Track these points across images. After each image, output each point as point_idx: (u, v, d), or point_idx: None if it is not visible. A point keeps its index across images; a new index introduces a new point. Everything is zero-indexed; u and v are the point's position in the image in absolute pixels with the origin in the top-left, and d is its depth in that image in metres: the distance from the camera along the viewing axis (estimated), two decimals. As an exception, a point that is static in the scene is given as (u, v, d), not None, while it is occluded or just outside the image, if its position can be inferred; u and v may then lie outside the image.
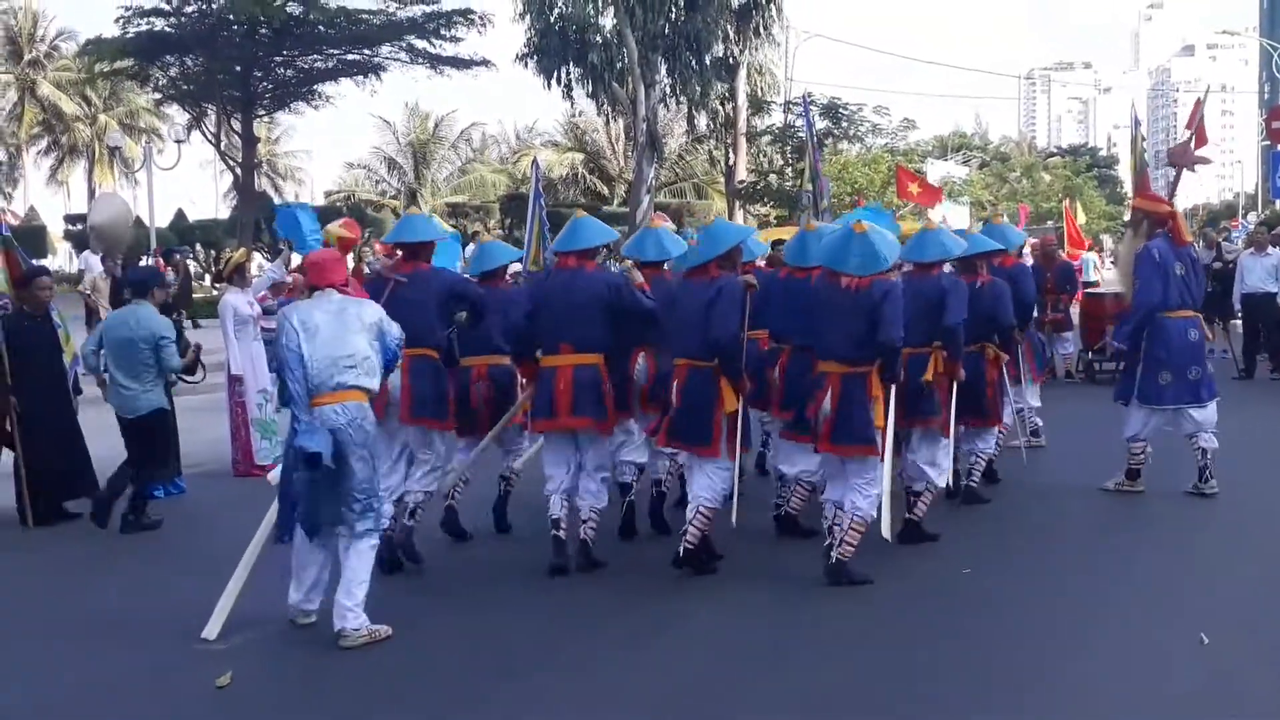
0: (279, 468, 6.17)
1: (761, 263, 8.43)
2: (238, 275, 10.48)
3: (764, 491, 8.07)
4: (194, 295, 31.81)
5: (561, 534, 6.88)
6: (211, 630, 5.74)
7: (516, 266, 9.23)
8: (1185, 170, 9.84)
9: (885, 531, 6.46)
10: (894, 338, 6.26)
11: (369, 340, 5.86)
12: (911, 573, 6.61)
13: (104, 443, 9.26)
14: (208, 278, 36.84)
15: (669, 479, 7.84)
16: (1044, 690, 4.92)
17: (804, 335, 6.92)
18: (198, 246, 39.79)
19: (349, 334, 5.80)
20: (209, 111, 38.85)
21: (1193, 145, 9.43)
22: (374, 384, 5.89)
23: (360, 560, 5.72)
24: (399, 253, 7.33)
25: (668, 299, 6.86)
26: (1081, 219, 23.20)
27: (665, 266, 7.58)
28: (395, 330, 6.12)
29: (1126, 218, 20.52)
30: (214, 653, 5.56)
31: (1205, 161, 9.63)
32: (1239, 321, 16.34)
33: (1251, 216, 41.71)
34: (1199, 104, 9.72)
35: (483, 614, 6.26)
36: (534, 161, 13.09)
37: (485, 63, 37.48)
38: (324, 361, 5.71)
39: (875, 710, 4.79)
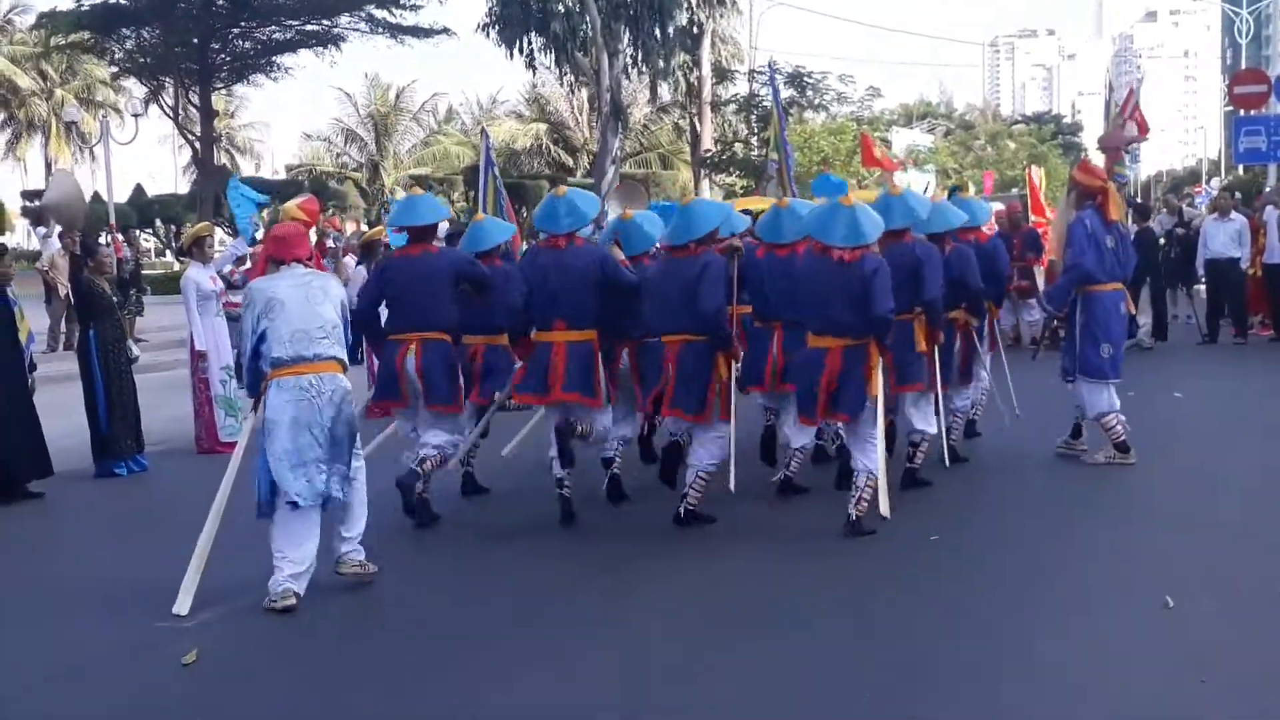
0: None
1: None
2: (197, 249, 10.33)
3: (757, 469, 8.09)
4: (154, 271, 31.59)
5: (566, 491, 7.18)
6: (181, 606, 5.67)
7: None
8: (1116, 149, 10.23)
9: (884, 509, 6.59)
10: (886, 311, 6.48)
11: (335, 310, 5.97)
12: (881, 537, 6.63)
13: (61, 421, 9.16)
14: (168, 253, 36.42)
15: (618, 457, 7.81)
16: (1013, 653, 4.93)
17: (792, 312, 7.04)
18: (158, 222, 39.26)
19: (316, 305, 5.89)
20: (166, 84, 38.32)
21: (1136, 132, 9.80)
22: (345, 355, 6.03)
23: (359, 498, 6.05)
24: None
25: (651, 279, 7.09)
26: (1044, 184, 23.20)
27: (650, 251, 7.71)
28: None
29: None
30: (181, 630, 5.49)
31: (1138, 141, 10.01)
32: (1202, 287, 16.47)
33: (1215, 182, 42.08)
34: (1131, 93, 10.05)
35: (456, 582, 6.25)
36: (483, 131, 13.27)
37: (446, 32, 37.16)
38: (297, 333, 5.81)
39: (845, 677, 4.79)
